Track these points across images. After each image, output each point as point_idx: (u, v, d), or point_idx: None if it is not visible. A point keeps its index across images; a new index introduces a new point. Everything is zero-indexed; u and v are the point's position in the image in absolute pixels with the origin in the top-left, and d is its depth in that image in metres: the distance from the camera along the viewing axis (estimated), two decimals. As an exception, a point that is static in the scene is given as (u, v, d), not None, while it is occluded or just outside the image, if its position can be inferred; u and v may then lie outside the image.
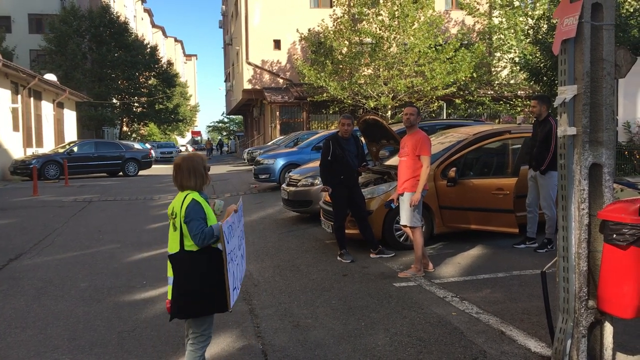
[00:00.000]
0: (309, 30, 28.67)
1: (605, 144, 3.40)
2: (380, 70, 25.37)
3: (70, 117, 32.58)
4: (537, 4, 23.07)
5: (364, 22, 25.69)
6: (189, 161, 3.37)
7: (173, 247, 3.32)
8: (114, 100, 42.65)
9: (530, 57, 17.67)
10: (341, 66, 26.70)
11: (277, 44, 31.93)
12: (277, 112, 30.92)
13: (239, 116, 60.99)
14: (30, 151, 24.30)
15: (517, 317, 4.74)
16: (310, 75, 25.69)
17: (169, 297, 3.38)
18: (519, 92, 26.49)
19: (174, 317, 3.35)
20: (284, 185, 10.63)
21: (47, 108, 27.94)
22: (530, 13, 23.16)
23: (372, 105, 25.26)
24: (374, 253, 7.17)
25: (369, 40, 25.57)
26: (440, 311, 4.96)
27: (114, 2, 57.40)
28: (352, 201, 7.09)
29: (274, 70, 32.12)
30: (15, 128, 23.43)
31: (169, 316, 3.38)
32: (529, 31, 20.05)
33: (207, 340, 3.44)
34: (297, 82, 30.13)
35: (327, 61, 26.40)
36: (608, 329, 3.49)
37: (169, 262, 3.36)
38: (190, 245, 3.26)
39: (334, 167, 7.04)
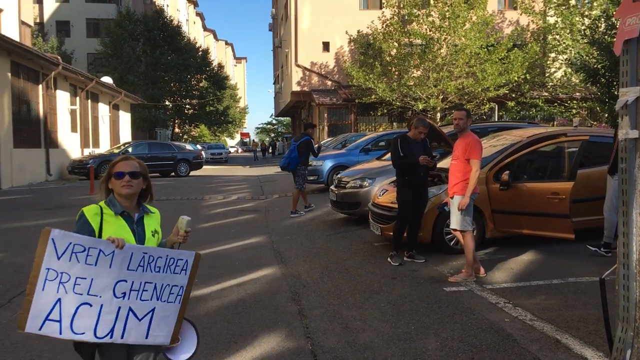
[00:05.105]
0: (358, 32, 28.64)
1: (670, 147, 3.26)
2: (430, 72, 25.10)
3: (125, 119, 33.62)
4: (595, 4, 22.37)
5: (414, 24, 25.46)
6: None
7: None
8: (167, 102, 43.75)
9: (587, 58, 17.14)
10: (390, 68, 26.55)
11: (326, 46, 32.04)
12: (325, 114, 31.01)
13: (287, 118, 61.49)
14: (87, 151, 25.20)
15: (573, 325, 4.60)
16: (359, 77, 25.65)
17: None
18: (575, 94, 25.75)
19: None
20: (332, 187, 10.64)
21: (103, 110, 28.94)
22: (587, 13, 22.50)
23: (421, 107, 25.02)
24: (407, 255, 7.07)
25: (418, 41, 25.31)
26: (493, 317, 4.86)
27: (168, 6, 58.94)
28: (415, 203, 6.96)
29: (323, 73, 32.24)
30: (74, 129, 24.35)
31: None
32: (585, 31, 19.48)
33: None
34: (345, 84, 30.14)
35: (376, 63, 26.29)
36: (671, 341, 3.34)
37: None
38: None
39: (401, 166, 6.92)
